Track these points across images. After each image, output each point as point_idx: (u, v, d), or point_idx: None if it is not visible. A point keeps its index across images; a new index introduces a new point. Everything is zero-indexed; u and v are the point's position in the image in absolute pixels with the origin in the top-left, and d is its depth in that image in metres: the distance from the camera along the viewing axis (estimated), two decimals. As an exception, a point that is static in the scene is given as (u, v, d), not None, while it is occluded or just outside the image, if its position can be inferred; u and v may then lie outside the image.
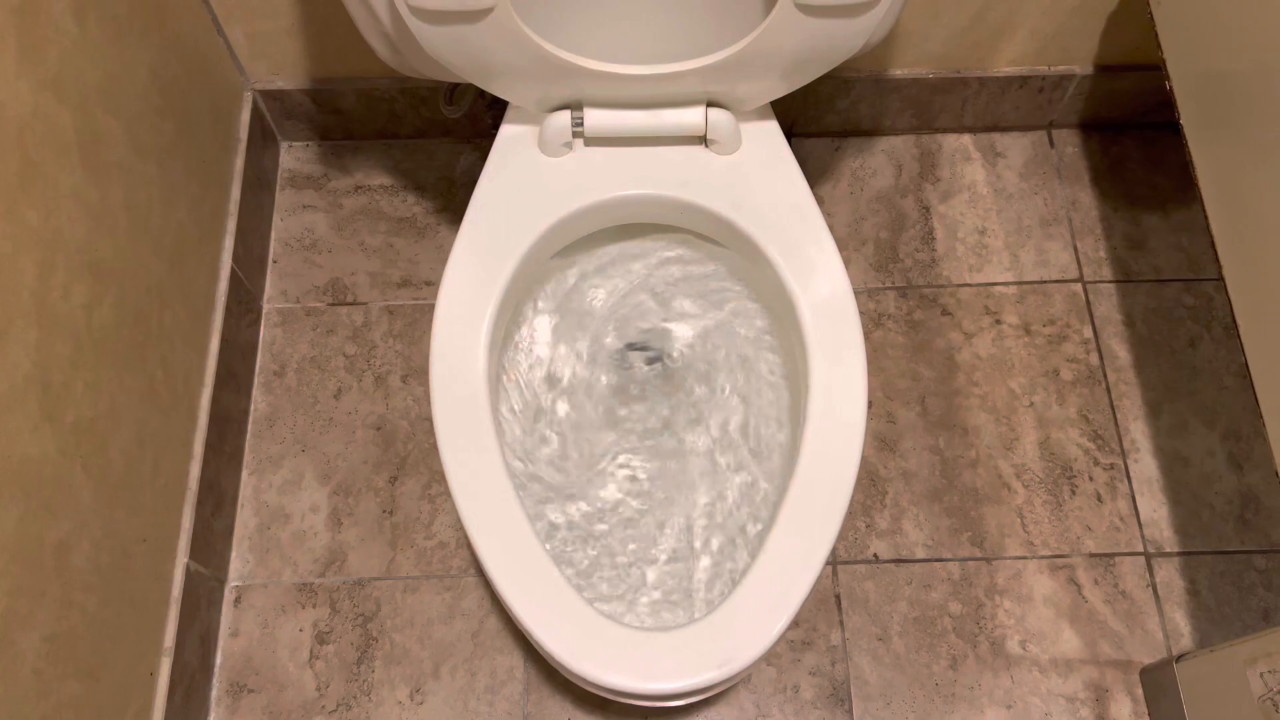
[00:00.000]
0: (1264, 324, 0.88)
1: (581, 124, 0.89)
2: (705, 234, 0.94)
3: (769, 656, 1.10)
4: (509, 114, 0.93)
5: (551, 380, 0.98)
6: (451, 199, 1.32)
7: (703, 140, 0.91)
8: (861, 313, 1.25)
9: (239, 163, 1.22)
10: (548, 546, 0.87)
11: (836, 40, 0.80)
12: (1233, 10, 0.92)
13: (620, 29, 0.84)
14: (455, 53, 0.81)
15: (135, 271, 0.96)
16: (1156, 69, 1.02)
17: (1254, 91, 0.89)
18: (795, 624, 1.11)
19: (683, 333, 0.99)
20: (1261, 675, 0.87)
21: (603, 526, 0.93)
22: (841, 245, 1.29)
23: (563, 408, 0.97)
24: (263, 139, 1.29)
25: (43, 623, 0.79)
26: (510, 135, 0.93)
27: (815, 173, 1.34)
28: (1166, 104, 1.01)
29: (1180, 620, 1.12)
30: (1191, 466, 1.18)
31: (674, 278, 0.99)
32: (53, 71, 0.83)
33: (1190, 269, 1.28)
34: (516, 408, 0.96)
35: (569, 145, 0.91)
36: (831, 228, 1.30)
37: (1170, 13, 1.03)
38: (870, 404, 1.21)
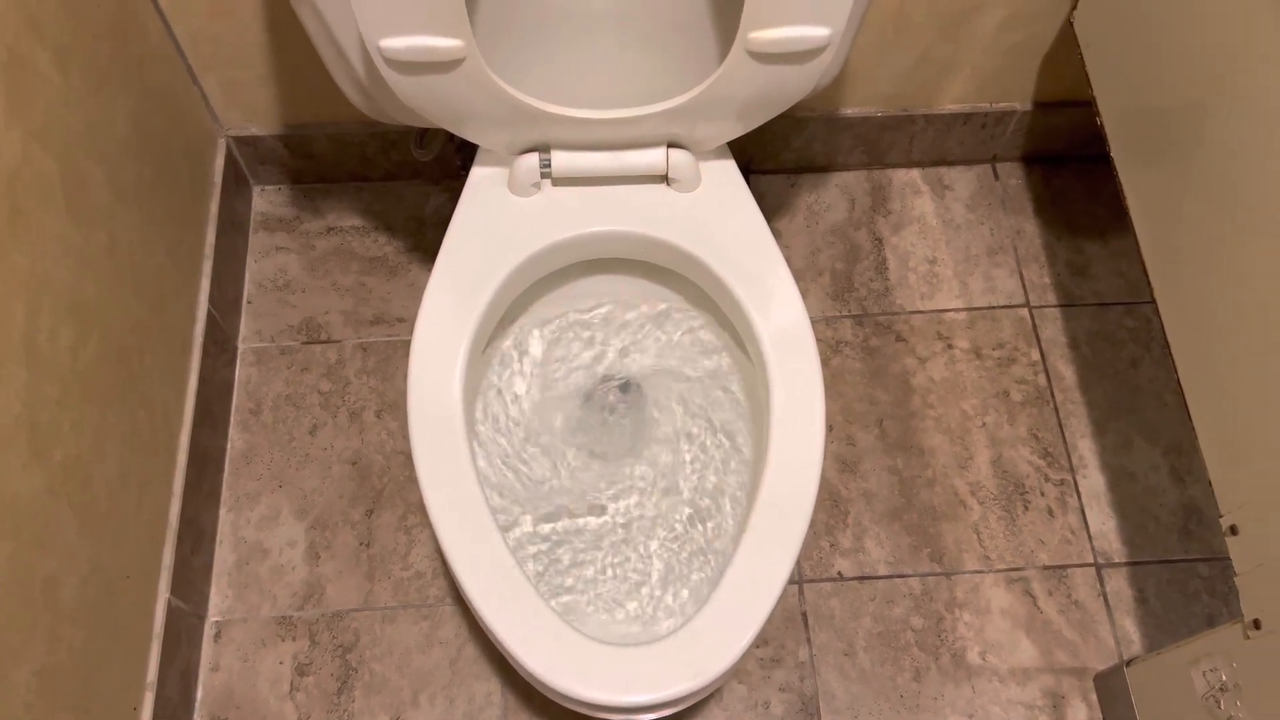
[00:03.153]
0: (1193, 343, 0.94)
1: (549, 165, 0.93)
2: (669, 267, 0.98)
3: (740, 674, 1.13)
4: (480, 156, 0.98)
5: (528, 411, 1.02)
6: (422, 239, 1.36)
7: (665, 179, 0.96)
8: (820, 340, 1.30)
9: (214, 207, 1.25)
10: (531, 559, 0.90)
11: (787, 84, 0.85)
12: (1153, 52, 0.99)
13: (585, 77, 0.89)
14: (428, 100, 0.85)
15: (118, 313, 0.99)
16: (1091, 105, 1.09)
17: (1174, 125, 0.95)
18: (764, 642, 1.15)
19: (648, 363, 1.04)
20: (1204, 674, 0.92)
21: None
22: (799, 276, 1.34)
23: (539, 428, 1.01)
24: (236, 183, 1.32)
25: (33, 656, 0.81)
26: (481, 176, 0.97)
27: (773, 207, 1.39)
28: (1101, 137, 1.07)
29: (1130, 627, 1.17)
30: (1137, 481, 1.24)
31: (641, 310, 1.04)
32: (40, 122, 0.86)
33: (1130, 293, 1.34)
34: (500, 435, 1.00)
35: (538, 185, 0.95)
36: (789, 260, 1.35)
37: (1098, 54, 1.10)
38: (831, 428, 1.26)
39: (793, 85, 0.86)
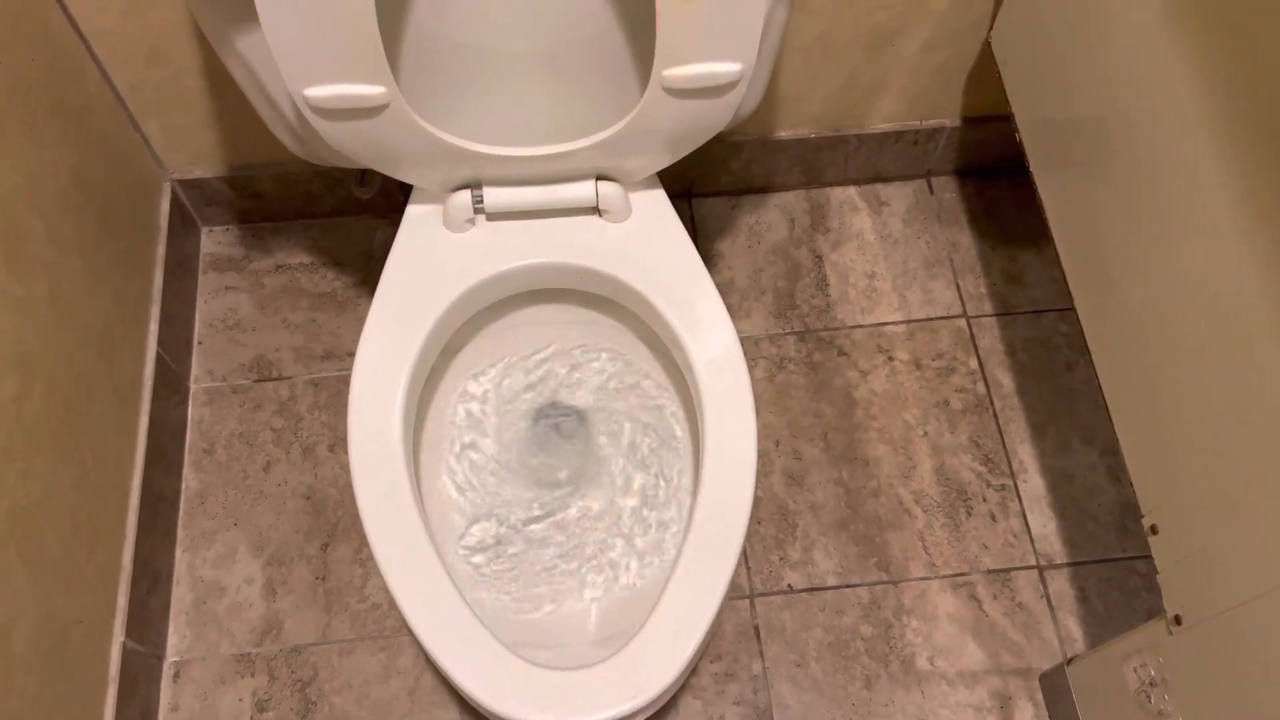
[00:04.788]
0: (1111, 348, 0.97)
1: (482, 201, 0.96)
2: (604, 295, 1.01)
3: (694, 689, 1.15)
4: (414, 195, 1.00)
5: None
6: (370, 273, 1.38)
7: (596, 210, 0.98)
8: (764, 357, 1.33)
9: (161, 250, 1.27)
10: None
11: (706, 117, 0.88)
12: (1063, 68, 1.02)
13: (510, 115, 0.91)
14: (356, 145, 0.87)
15: (63, 362, 1.00)
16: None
17: (1086, 138, 0.99)
18: (718, 657, 1.17)
19: (589, 390, 1.06)
20: (1135, 670, 0.95)
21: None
22: (742, 296, 1.37)
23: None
24: (183, 226, 1.34)
25: (-17, 706, 0.82)
26: (416, 214, 0.99)
27: (715, 230, 1.42)
28: (1021, 151, 1.11)
29: (1073, 626, 1.20)
30: (1075, 482, 1.27)
31: (579, 339, 1.06)
32: (-25, 180, 0.88)
33: (1063, 299, 1.38)
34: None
35: (472, 221, 0.98)
36: (732, 280, 1.39)
37: (1014, 72, 1.13)
38: (777, 443, 1.29)
39: (711, 117, 0.88)
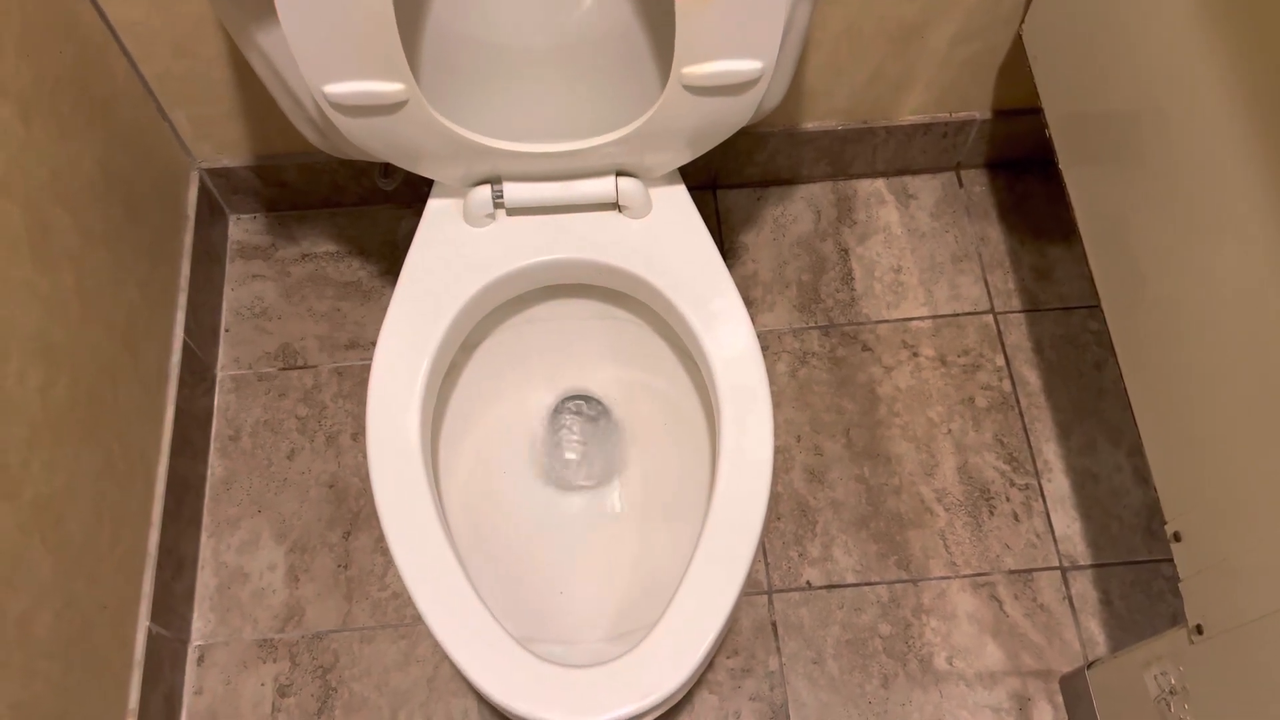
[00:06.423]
0: (1137, 351, 0.96)
1: (502, 196, 0.96)
2: (623, 291, 1.00)
3: (710, 684, 1.15)
4: (435, 188, 1.00)
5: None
6: (395, 263, 1.38)
7: (616, 206, 0.98)
8: (786, 352, 1.32)
9: (188, 239, 1.28)
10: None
11: (726, 114, 0.87)
12: (1095, 62, 1.00)
13: (529, 111, 0.91)
14: (376, 140, 0.87)
15: (88, 352, 1.02)
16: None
17: (1116, 134, 0.97)
18: (734, 652, 1.17)
19: (608, 379, 1.06)
20: (1155, 677, 0.94)
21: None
22: (766, 289, 1.36)
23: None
24: (211, 214, 1.35)
25: (7, 692, 0.84)
26: (437, 209, 0.99)
27: (740, 221, 1.41)
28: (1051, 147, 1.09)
29: (1095, 629, 1.18)
30: (1101, 483, 1.25)
31: (597, 333, 1.06)
32: (1, 173, 0.89)
33: (1093, 296, 1.35)
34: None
35: (492, 216, 0.98)
36: (756, 272, 1.38)
37: (1044, 65, 1.11)
38: (798, 438, 1.28)
39: (731, 115, 0.87)
